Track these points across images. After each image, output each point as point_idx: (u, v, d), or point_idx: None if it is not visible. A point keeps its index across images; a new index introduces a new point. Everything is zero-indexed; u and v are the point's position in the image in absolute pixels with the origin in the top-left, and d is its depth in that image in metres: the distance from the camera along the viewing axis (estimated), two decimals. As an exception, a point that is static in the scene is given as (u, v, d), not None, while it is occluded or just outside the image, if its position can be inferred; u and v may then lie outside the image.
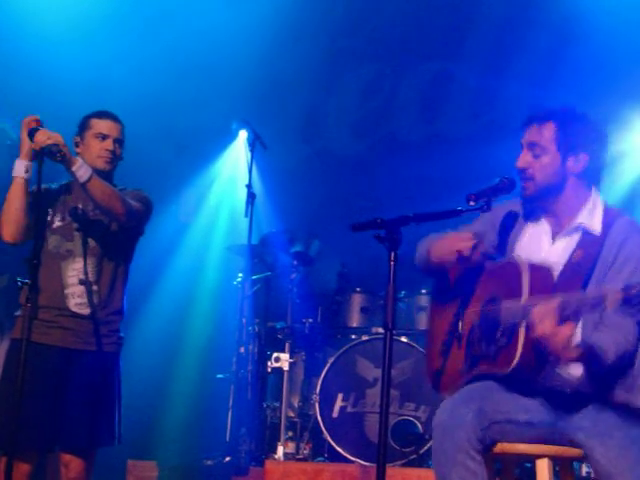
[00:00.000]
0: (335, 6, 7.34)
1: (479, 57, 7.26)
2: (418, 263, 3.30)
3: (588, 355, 2.85)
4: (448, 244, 3.13)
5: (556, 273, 2.98)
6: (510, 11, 7.08)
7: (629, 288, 2.59)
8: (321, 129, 7.78)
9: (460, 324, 3.18)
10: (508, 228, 3.24)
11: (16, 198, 3.72)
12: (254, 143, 6.22)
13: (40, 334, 3.67)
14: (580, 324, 2.89)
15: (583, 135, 3.08)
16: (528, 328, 2.85)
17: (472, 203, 3.01)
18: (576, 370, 2.97)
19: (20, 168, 3.71)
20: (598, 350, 2.85)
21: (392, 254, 2.86)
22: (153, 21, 6.88)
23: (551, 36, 6.87)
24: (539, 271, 2.97)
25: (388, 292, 2.84)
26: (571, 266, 3.01)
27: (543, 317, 2.76)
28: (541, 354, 2.86)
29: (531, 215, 3.21)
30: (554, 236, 3.14)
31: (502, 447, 2.98)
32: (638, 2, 6.05)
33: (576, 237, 3.08)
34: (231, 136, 7.20)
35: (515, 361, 2.86)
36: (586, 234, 3.06)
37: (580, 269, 2.93)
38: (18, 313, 3.84)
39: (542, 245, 3.14)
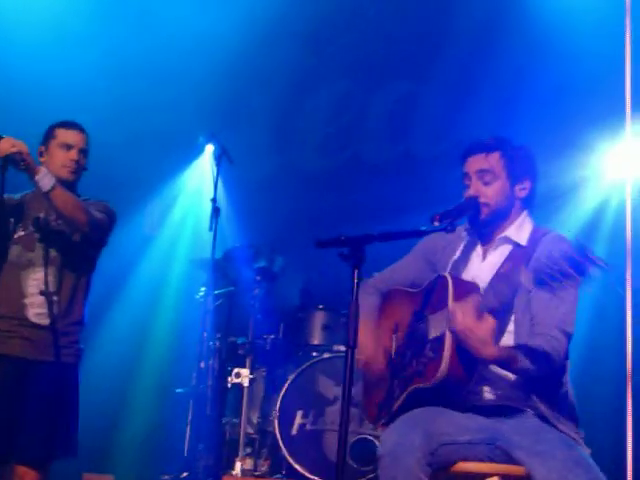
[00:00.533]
0: (306, 23, 7.36)
1: (446, 79, 7.33)
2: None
3: (509, 357, 2.90)
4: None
5: (483, 285, 3.06)
6: (476, 36, 7.16)
7: (538, 265, 2.69)
8: (288, 145, 7.79)
9: (394, 352, 3.23)
10: (442, 259, 3.33)
11: None
12: (220, 157, 6.21)
13: None
14: (512, 328, 3.01)
15: (525, 162, 3.24)
16: (453, 333, 2.90)
17: (436, 223, 3.06)
18: (503, 383, 3.03)
19: None
20: (521, 353, 2.90)
21: (355, 272, 2.87)
22: (125, 31, 6.86)
23: (516, 60, 6.95)
24: (464, 283, 3.07)
25: (351, 310, 2.84)
26: (499, 277, 3.08)
27: (462, 312, 2.85)
28: (466, 356, 2.90)
29: (468, 243, 3.31)
30: (484, 255, 3.24)
31: (454, 467, 2.98)
32: (602, 31, 6.14)
33: (504, 250, 3.19)
34: (198, 149, 7.19)
35: (443, 369, 2.90)
36: (516, 247, 3.16)
37: (507, 279, 2.98)
38: None
39: (472, 265, 3.24)
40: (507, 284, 2.94)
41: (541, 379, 2.99)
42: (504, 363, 2.92)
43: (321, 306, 6.01)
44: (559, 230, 3.28)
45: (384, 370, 3.25)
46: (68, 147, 3.91)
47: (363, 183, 7.25)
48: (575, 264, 2.59)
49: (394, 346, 3.26)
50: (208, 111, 7.21)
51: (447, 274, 3.13)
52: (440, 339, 2.96)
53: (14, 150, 3.53)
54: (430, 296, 3.16)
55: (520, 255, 3.10)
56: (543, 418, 3.00)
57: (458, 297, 2.97)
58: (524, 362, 2.91)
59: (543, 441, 2.89)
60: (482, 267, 3.21)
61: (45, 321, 3.81)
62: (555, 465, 2.80)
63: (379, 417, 3.22)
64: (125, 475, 5.82)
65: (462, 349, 2.90)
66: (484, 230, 3.26)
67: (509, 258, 3.14)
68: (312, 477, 5.18)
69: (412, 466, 2.84)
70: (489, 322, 2.84)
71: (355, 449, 5.19)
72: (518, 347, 2.94)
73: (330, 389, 5.46)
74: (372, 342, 3.28)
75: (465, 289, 3.01)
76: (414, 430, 2.92)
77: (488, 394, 3.07)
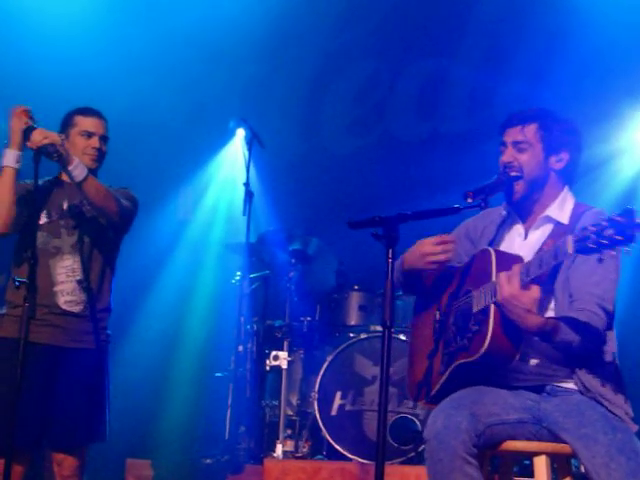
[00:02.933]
0: (332, 4, 7.33)
1: (476, 54, 7.25)
2: (395, 280, 3.31)
3: (551, 327, 2.87)
4: (418, 248, 3.21)
5: (527, 259, 3.03)
6: (506, 8, 7.07)
7: (580, 231, 2.63)
8: (318, 127, 7.77)
9: (438, 328, 3.22)
10: (483, 239, 3.31)
11: (6, 188, 3.69)
12: (252, 141, 6.22)
13: (30, 332, 3.57)
14: (552, 304, 2.99)
15: (565, 135, 3.20)
16: (497, 304, 2.88)
17: (470, 200, 3.05)
18: (548, 359, 3.01)
19: (10, 158, 3.67)
20: (562, 324, 2.88)
21: (390, 251, 2.86)
22: (152, 15, 6.86)
23: (548, 33, 6.86)
24: (507, 256, 3.04)
25: (386, 290, 2.84)
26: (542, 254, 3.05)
27: (507, 280, 2.83)
28: (511, 328, 2.88)
29: (506, 222, 3.29)
30: (526, 233, 3.22)
31: (502, 446, 2.99)
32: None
33: (546, 229, 3.17)
34: (229, 134, 7.20)
35: (487, 340, 2.88)
36: (558, 225, 3.14)
37: None
38: (4, 311, 3.83)
39: (513, 243, 3.22)
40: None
41: (582, 354, 2.96)
42: (547, 334, 2.89)
43: (357, 287, 6.01)
44: (595, 201, 3.25)
45: (430, 342, 3.24)
46: (89, 135, 3.91)
47: (394, 162, 7.22)
48: (622, 229, 2.50)
49: (437, 323, 3.25)
50: (238, 95, 7.22)
51: (489, 248, 3.10)
52: (484, 311, 2.94)
53: (47, 142, 3.54)
54: (472, 270, 3.14)
55: (561, 232, 3.07)
56: (590, 395, 2.98)
57: (502, 270, 2.94)
58: (567, 334, 2.88)
59: (587, 423, 2.87)
60: (523, 245, 3.18)
61: (75, 308, 3.83)
62: (598, 450, 2.79)
63: (419, 393, 3.22)
64: (167, 460, 5.87)
65: (507, 321, 2.88)
66: (522, 205, 3.22)
67: (550, 236, 3.12)
68: (353, 457, 5.19)
69: (458, 448, 2.84)
70: (534, 291, 2.82)
71: (394, 428, 5.20)
72: (561, 318, 2.91)
73: (368, 369, 5.46)
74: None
75: (508, 261, 2.98)
76: (460, 412, 2.90)
77: (533, 368, 3.05)
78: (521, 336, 2.93)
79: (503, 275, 2.86)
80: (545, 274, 2.88)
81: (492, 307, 2.91)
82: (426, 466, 2.95)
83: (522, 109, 3.27)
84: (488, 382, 3.06)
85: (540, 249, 3.08)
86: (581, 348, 2.93)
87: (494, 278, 2.95)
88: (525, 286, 2.82)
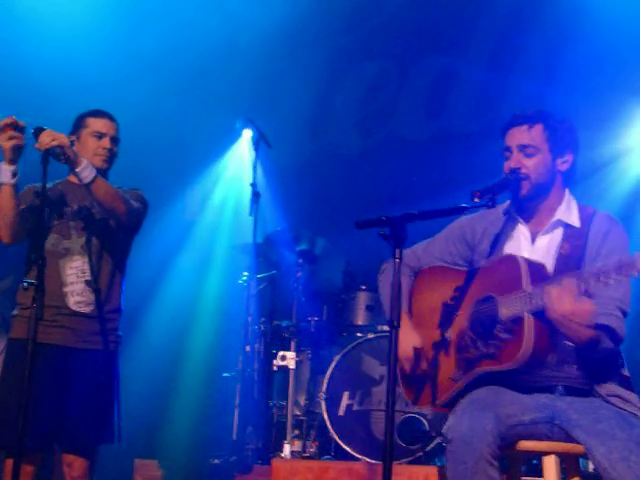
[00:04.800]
0: (340, 4, 7.33)
1: (483, 54, 7.25)
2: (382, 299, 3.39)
3: (598, 338, 2.88)
4: (409, 347, 3.25)
5: (550, 267, 3.03)
6: (514, 8, 7.06)
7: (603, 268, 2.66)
8: (326, 127, 7.77)
9: (448, 332, 3.18)
10: (484, 240, 3.29)
11: (7, 204, 3.67)
12: (258, 142, 6.22)
13: (40, 333, 3.51)
14: None
15: (568, 136, 3.20)
16: (538, 315, 2.86)
17: (477, 200, 3.03)
18: (572, 364, 3.01)
19: (6, 174, 3.62)
20: (604, 334, 2.89)
21: (397, 251, 2.85)
22: (159, 17, 6.87)
23: (555, 33, 6.85)
24: (534, 265, 3.01)
25: (393, 289, 2.83)
26: (562, 259, 3.06)
27: (563, 295, 2.80)
28: (550, 340, 2.87)
29: (508, 224, 3.27)
30: (533, 237, 3.20)
31: (516, 446, 2.98)
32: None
33: (558, 233, 3.16)
34: (235, 135, 7.21)
35: (525, 352, 2.86)
36: (568, 228, 3.13)
37: (571, 261, 2.98)
38: (15, 312, 3.84)
39: (522, 247, 3.19)
40: (573, 266, 2.96)
41: (609, 357, 2.98)
42: (593, 344, 2.89)
43: (364, 287, 6.01)
44: (602, 201, 3.25)
45: (428, 350, 3.23)
46: (100, 135, 3.92)
47: (402, 162, 7.22)
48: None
49: (445, 326, 3.21)
50: (244, 96, 7.22)
51: (516, 255, 3.06)
52: (517, 321, 2.91)
53: (55, 144, 3.54)
54: (494, 276, 3.09)
55: (575, 235, 3.09)
56: (601, 394, 2.98)
57: (533, 279, 2.92)
58: (606, 342, 2.90)
59: (603, 419, 2.87)
60: (534, 250, 3.16)
61: (85, 309, 3.84)
62: (616, 445, 2.78)
63: (421, 397, 3.20)
64: (175, 460, 5.88)
65: (544, 331, 2.86)
66: (527, 205, 3.21)
67: (565, 239, 3.11)
68: (360, 457, 5.19)
69: (484, 451, 2.83)
70: (588, 304, 2.80)
71: (402, 428, 5.20)
72: (600, 327, 2.90)
73: (375, 369, 5.46)
74: (410, 331, 3.27)
75: (537, 270, 2.97)
76: (485, 414, 2.89)
77: (548, 371, 3.03)
78: (556, 346, 2.92)
79: (557, 289, 2.81)
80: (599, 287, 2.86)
81: (528, 316, 2.89)
82: (448, 466, 2.93)
83: (524, 111, 3.25)
84: (504, 384, 3.04)
85: (559, 253, 3.08)
86: (611, 352, 2.95)
87: (526, 286, 2.91)
88: (579, 299, 2.79)
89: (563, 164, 3.18)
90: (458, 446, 2.87)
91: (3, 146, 3.58)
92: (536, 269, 2.98)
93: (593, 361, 2.98)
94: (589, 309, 2.79)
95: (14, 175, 3.64)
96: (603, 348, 2.90)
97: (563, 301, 2.79)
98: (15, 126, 3.56)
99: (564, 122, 3.21)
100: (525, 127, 3.17)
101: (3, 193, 3.66)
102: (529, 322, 2.88)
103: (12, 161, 3.62)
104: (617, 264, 2.72)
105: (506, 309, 2.96)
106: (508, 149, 3.19)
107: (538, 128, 3.16)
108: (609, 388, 2.99)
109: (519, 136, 3.17)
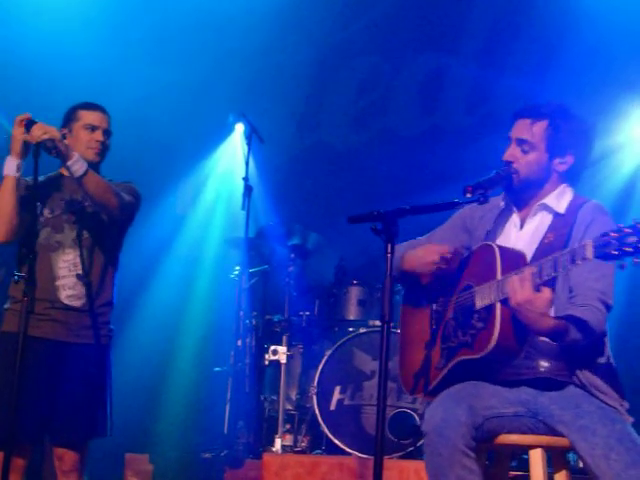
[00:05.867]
0: (333, -1, 7.33)
1: (475, 50, 7.25)
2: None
3: (562, 328, 2.86)
4: (423, 255, 3.21)
5: (529, 255, 3.03)
6: (506, 3, 7.07)
7: (600, 237, 2.59)
8: (318, 122, 7.77)
9: (434, 321, 3.21)
10: (479, 227, 3.29)
11: (7, 197, 3.68)
12: (251, 136, 6.22)
13: (31, 327, 3.52)
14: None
15: (573, 137, 3.15)
16: (504, 303, 2.87)
17: (469, 195, 3.04)
18: (547, 357, 3.00)
19: (11, 166, 3.66)
20: (571, 324, 2.87)
21: (389, 246, 2.86)
22: (151, 11, 6.86)
23: (546, 28, 6.86)
24: (511, 253, 3.02)
25: (385, 284, 2.83)
26: (543, 247, 3.05)
27: (520, 285, 2.80)
28: (519, 328, 2.87)
29: (503, 213, 3.26)
30: (522, 223, 3.20)
31: (497, 439, 2.99)
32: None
33: (544, 219, 3.15)
34: (228, 129, 7.20)
35: (493, 341, 2.87)
36: (555, 216, 3.12)
37: (552, 249, 2.94)
38: (7, 306, 3.83)
39: (511, 234, 3.20)
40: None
41: (584, 350, 2.96)
42: (556, 335, 2.89)
43: (356, 281, 6.00)
44: (595, 195, 3.24)
45: (426, 335, 3.23)
46: (93, 128, 3.90)
47: (393, 157, 7.22)
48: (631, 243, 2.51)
49: (433, 315, 3.24)
50: (237, 90, 7.21)
51: (492, 243, 3.08)
52: (489, 310, 2.93)
53: (46, 137, 3.54)
54: (473, 265, 3.12)
55: (561, 224, 3.08)
56: (585, 389, 2.98)
57: (507, 267, 2.93)
58: (574, 334, 2.87)
59: (585, 414, 2.87)
60: (520, 235, 3.17)
61: (77, 302, 3.83)
62: (597, 442, 2.79)
63: (416, 386, 3.21)
64: (166, 454, 5.88)
65: (513, 320, 2.87)
66: (519, 197, 3.21)
67: (551, 228, 3.10)
68: (351, 451, 5.20)
69: (458, 442, 2.84)
70: (546, 293, 2.80)
71: (393, 423, 5.20)
72: (567, 318, 2.89)
73: (367, 364, 5.46)
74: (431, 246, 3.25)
75: (513, 259, 2.97)
76: (459, 405, 2.90)
77: (529, 363, 3.04)
78: (527, 335, 2.92)
79: (515, 278, 2.82)
80: (557, 276, 2.85)
81: (498, 305, 2.90)
82: (425, 460, 2.95)
83: (538, 102, 3.22)
84: (485, 377, 3.06)
85: (542, 241, 3.08)
86: (586, 344, 2.93)
87: (499, 275, 2.93)
88: (537, 288, 2.80)
89: (561, 165, 3.15)
90: (433, 438, 2.89)
91: (16, 138, 3.61)
92: (512, 257, 2.98)
93: (572, 353, 2.97)
94: (547, 298, 2.79)
95: (18, 169, 3.67)
96: (571, 340, 2.88)
97: (520, 290, 2.79)
98: (30, 123, 3.60)
99: (573, 121, 3.15)
100: (529, 121, 3.15)
101: (5, 185, 3.68)
102: (499, 311, 2.89)
103: (19, 155, 3.64)
104: (570, 252, 2.71)
105: (480, 298, 2.98)
106: (509, 139, 3.19)
107: (541, 125, 3.13)
108: (593, 382, 2.97)
109: (521, 129, 3.16)
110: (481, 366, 3.00)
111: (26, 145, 3.61)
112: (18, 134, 3.62)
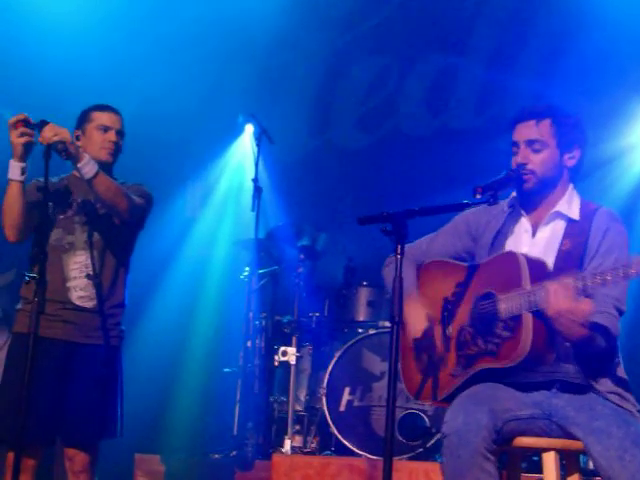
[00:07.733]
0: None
1: (484, 51, 7.25)
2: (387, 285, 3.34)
3: (591, 336, 2.88)
4: (419, 322, 3.22)
5: (550, 264, 3.03)
6: (516, 4, 7.06)
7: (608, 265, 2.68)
8: (328, 123, 7.77)
9: (449, 328, 3.18)
10: (487, 233, 3.28)
11: (15, 202, 3.67)
12: (260, 137, 6.23)
13: (43, 328, 3.51)
14: None
15: (576, 130, 3.18)
16: (536, 314, 2.87)
17: (478, 196, 3.02)
18: (562, 360, 3.00)
19: (15, 171, 3.62)
20: (596, 332, 2.89)
21: (398, 247, 2.86)
22: (161, 12, 6.87)
23: (556, 29, 6.85)
24: (534, 262, 3.01)
25: (395, 285, 2.83)
26: (562, 255, 3.05)
27: (563, 293, 2.80)
28: (550, 336, 2.88)
29: (511, 217, 3.26)
30: (534, 229, 3.19)
31: (513, 442, 2.99)
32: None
33: (558, 227, 3.14)
34: (238, 130, 7.21)
35: (523, 350, 2.87)
36: (570, 223, 3.12)
37: (571, 258, 2.97)
38: (19, 306, 3.84)
39: (522, 240, 3.18)
40: (572, 263, 2.95)
41: (599, 354, 2.97)
42: (585, 342, 2.90)
43: (365, 282, 6.00)
44: (605, 198, 3.24)
45: (431, 344, 3.23)
46: (106, 129, 3.92)
47: (403, 158, 7.22)
48: None
49: (446, 321, 3.20)
50: (247, 91, 7.22)
51: (516, 252, 3.06)
52: (516, 319, 2.92)
53: (56, 139, 3.52)
54: (495, 273, 3.09)
55: (576, 231, 3.07)
56: (599, 392, 2.98)
57: (533, 277, 2.92)
58: (599, 340, 2.89)
59: (599, 417, 2.87)
60: (534, 242, 3.15)
61: (88, 304, 3.84)
62: (612, 443, 2.78)
63: (422, 391, 3.20)
64: (175, 455, 5.89)
65: (542, 329, 2.87)
66: (530, 199, 3.20)
67: (566, 235, 3.10)
68: (361, 453, 5.20)
69: (479, 445, 2.83)
70: (587, 304, 2.80)
71: (403, 424, 5.20)
72: (592, 326, 2.89)
73: (376, 365, 5.46)
74: (422, 317, 3.23)
75: (537, 267, 2.96)
76: (480, 408, 2.89)
77: (545, 367, 3.02)
78: (555, 341, 2.92)
79: (557, 287, 2.82)
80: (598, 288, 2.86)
81: (526, 314, 2.89)
82: (443, 462, 2.93)
83: (533, 104, 3.25)
84: (502, 380, 3.05)
85: (559, 250, 3.07)
86: (605, 350, 2.95)
87: (527, 285, 2.92)
88: (577, 299, 2.80)
89: (570, 160, 3.16)
90: (453, 441, 2.88)
91: (14, 143, 3.58)
92: (536, 266, 2.98)
93: (589, 358, 2.98)
94: (587, 309, 2.80)
95: (23, 172, 3.64)
96: (596, 346, 2.91)
97: (560, 298, 2.80)
98: (26, 123, 3.56)
99: (572, 117, 3.19)
100: (533, 122, 3.14)
101: (11, 190, 3.66)
102: (527, 320, 2.89)
103: (22, 158, 3.61)
104: (613, 264, 2.73)
105: (505, 306, 2.96)
106: (516, 144, 3.17)
107: (546, 123, 3.14)
108: (608, 385, 2.99)
109: (527, 131, 3.15)
110: (503, 374, 3.00)
111: (28, 146, 3.59)
112: (12, 137, 3.57)
